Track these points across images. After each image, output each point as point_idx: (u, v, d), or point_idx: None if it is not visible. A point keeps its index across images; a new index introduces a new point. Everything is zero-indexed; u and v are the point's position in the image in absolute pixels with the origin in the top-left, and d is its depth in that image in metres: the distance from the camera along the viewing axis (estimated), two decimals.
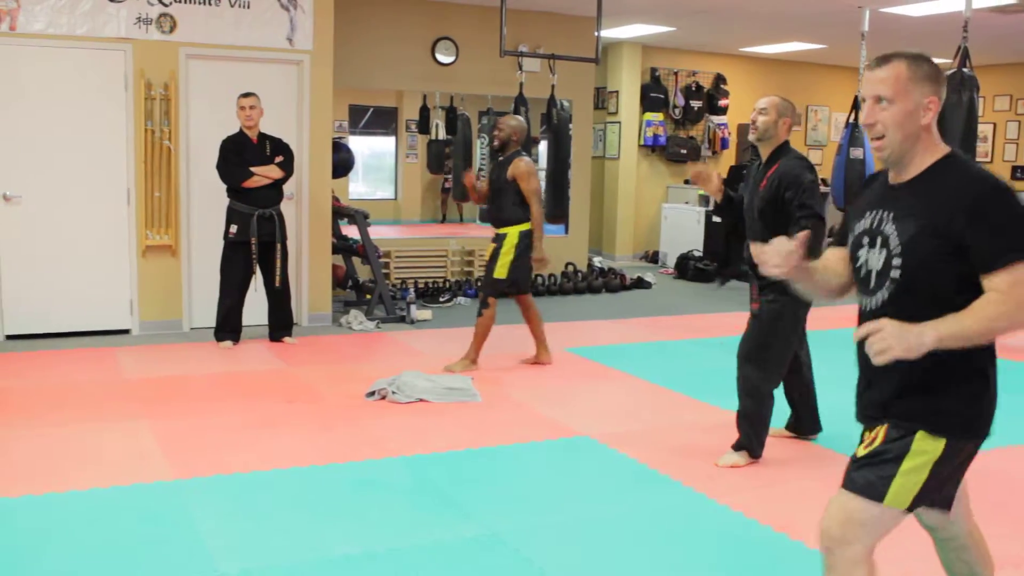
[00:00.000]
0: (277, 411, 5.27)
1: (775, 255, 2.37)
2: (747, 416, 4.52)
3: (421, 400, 5.48)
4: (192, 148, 7.19)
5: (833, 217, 8.67)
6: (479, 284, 6.51)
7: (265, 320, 7.08)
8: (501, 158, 6.31)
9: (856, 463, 2.33)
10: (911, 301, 2.21)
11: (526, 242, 6.21)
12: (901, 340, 2.08)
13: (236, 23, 7.19)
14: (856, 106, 9.27)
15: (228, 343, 6.85)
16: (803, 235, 2.38)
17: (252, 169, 6.64)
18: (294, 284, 7.63)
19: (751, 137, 4.45)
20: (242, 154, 6.66)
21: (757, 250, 2.39)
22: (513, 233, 6.20)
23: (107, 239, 7.08)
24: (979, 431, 2.27)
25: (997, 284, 2.10)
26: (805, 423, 4.93)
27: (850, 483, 2.30)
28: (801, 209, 4.21)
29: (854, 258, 2.39)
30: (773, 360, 4.49)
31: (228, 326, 6.87)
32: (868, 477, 2.27)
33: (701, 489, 4.19)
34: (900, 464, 2.24)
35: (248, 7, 7.20)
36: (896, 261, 2.23)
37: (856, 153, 8.96)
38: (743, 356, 4.51)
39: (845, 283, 2.52)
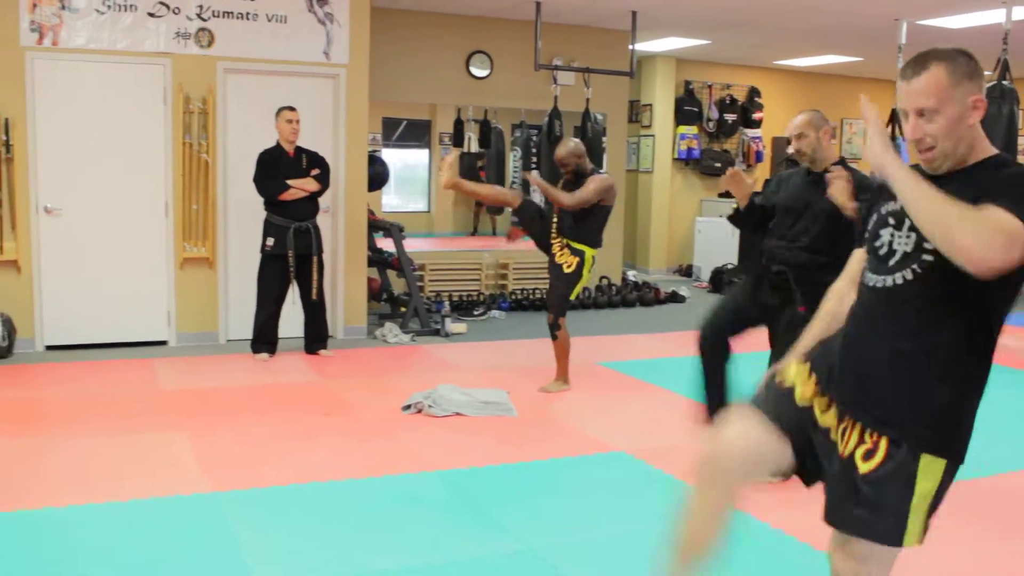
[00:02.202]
0: (314, 424, 5.29)
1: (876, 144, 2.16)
2: None
3: (457, 414, 5.47)
4: (229, 161, 7.25)
5: None
6: (545, 300, 6.27)
7: (301, 332, 7.11)
8: (579, 180, 6.01)
9: (858, 486, 2.18)
10: (939, 281, 2.09)
11: (593, 265, 6.09)
12: (884, 146, 2.09)
13: (273, 37, 7.25)
14: (894, 119, 9.20)
15: (264, 355, 6.89)
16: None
17: (289, 182, 6.67)
18: (330, 297, 7.66)
19: (803, 162, 4.43)
20: (279, 167, 6.70)
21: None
22: (589, 256, 6.04)
23: (145, 251, 7.15)
24: (964, 453, 2.19)
25: (983, 208, 1.97)
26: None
27: (862, 527, 2.19)
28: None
29: (875, 235, 2.27)
30: None
31: (264, 338, 6.91)
32: (881, 522, 2.16)
33: (740, 506, 4.14)
34: (912, 496, 2.14)
35: (285, 21, 7.26)
36: (929, 245, 2.08)
37: None
38: None
39: None
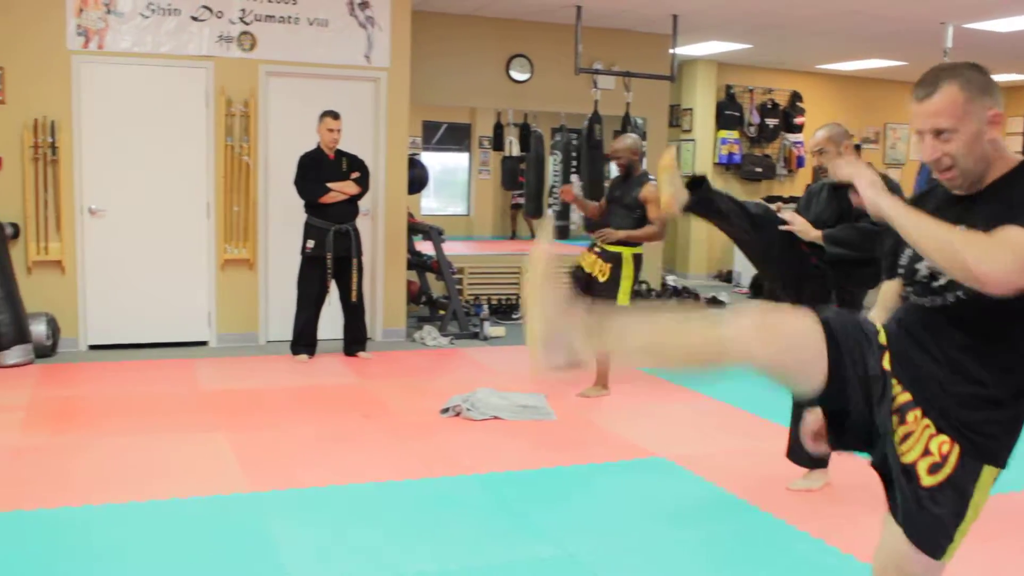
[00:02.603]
0: (352, 425, 5.30)
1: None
2: None
3: (495, 417, 5.45)
4: (270, 163, 7.30)
5: None
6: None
7: (340, 334, 7.13)
8: (626, 177, 6.06)
9: (920, 496, 2.09)
10: (986, 307, 1.99)
11: (638, 264, 6.04)
12: (876, 191, 2.08)
13: (314, 41, 7.28)
14: None
15: (304, 356, 6.91)
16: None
17: (329, 185, 6.70)
18: (369, 299, 7.68)
19: (825, 180, 4.37)
20: (319, 170, 6.72)
21: None
22: (628, 256, 5.97)
23: (187, 252, 7.22)
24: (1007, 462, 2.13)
25: (998, 228, 1.91)
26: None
27: (914, 532, 2.11)
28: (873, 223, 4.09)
29: (911, 270, 2.18)
30: None
31: (304, 340, 6.94)
32: (934, 532, 2.09)
33: (781, 515, 4.09)
34: (967, 510, 2.08)
35: (326, 25, 7.29)
36: None
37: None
38: None
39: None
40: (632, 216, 5.93)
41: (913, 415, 2.11)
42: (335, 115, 6.71)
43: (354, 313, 7.03)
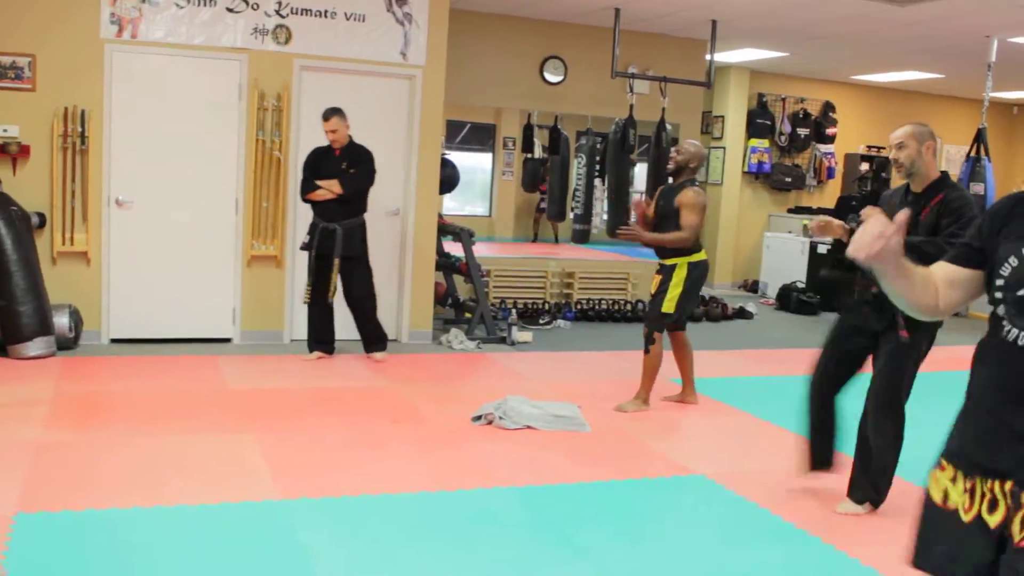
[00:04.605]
0: (382, 430, 5.16)
1: (867, 234, 1.92)
2: (885, 471, 4.23)
3: (528, 427, 5.31)
4: (301, 159, 7.12)
5: None
6: (644, 316, 6.06)
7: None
8: (672, 184, 5.91)
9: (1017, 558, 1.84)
10: None
11: (696, 274, 5.82)
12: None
13: (350, 36, 7.16)
14: (979, 139, 8.90)
15: (317, 353, 6.78)
16: (903, 215, 1.92)
17: (319, 183, 6.50)
18: (395, 300, 7.56)
19: (900, 175, 4.20)
20: (318, 166, 6.56)
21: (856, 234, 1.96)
22: (683, 265, 5.77)
23: (214, 247, 7.09)
24: None
25: None
26: (820, 454, 4.50)
27: None
28: (950, 237, 3.90)
29: (1018, 282, 1.90)
30: (904, 402, 4.22)
31: (314, 336, 6.80)
32: None
33: (829, 540, 3.94)
34: None
35: (363, 20, 7.16)
36: None
37: (977, 188, 8.59)
38: (882, 404, 4.20)
39: (932, 304, 2.07)
40: (675, 225, 5.75)
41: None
42: (326, 116, 6.46)
43: (357, 312, 6.83)
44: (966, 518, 1.94)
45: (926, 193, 4.08)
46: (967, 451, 1.98)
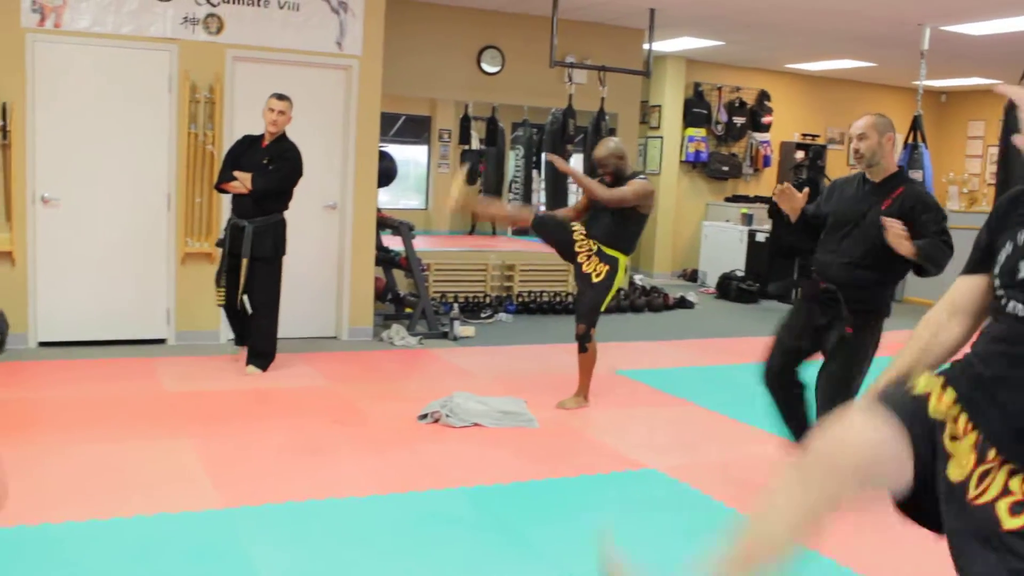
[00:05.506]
0: (325, 432, 5.01)
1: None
2: None
3: (476, 424, 5.21)
4: None
5: None
6: (575, 310, 5.84)
7: (302, 332, 6.80)
8: (618, 183, 5.65)
9: (1003, 542, 1.82)
10: None
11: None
12: None
13: (284, 25, 6.96)
14: (915, 126, 8.99)
15: (243, 349, 6.36)
16: None
17: (235, 173, 6.04)
18: (335, 296, 7.41)
19: (859, 166, 4.17)
20: (240, 156, 6.12)
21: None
22: (622, 262, 5.67)
23: (146, 245, 6.85)
24: None
25: None
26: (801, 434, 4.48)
27: None
28: (942, 234, 3.95)
29: (1014, 268, 1.99)
30: (854, 395, 4.20)
31: (239, 332, 6.43)
32: None
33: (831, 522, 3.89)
34: None
35: (297, 9, 6.98)
36: None
37: (915, 175, 8.66)
38: (831, 397, 4.18)
39: (973, 326, 2.19)
40: (621, 219, 5.63)
41: (992, 458, 1.90)
42: (280, 96, 6.05)
43: (252, 319, 6.22)
44: (932, 411, 2.02)
45: (885, 184, 4.09)
46: (963, 385, 2.01)
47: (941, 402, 2.01)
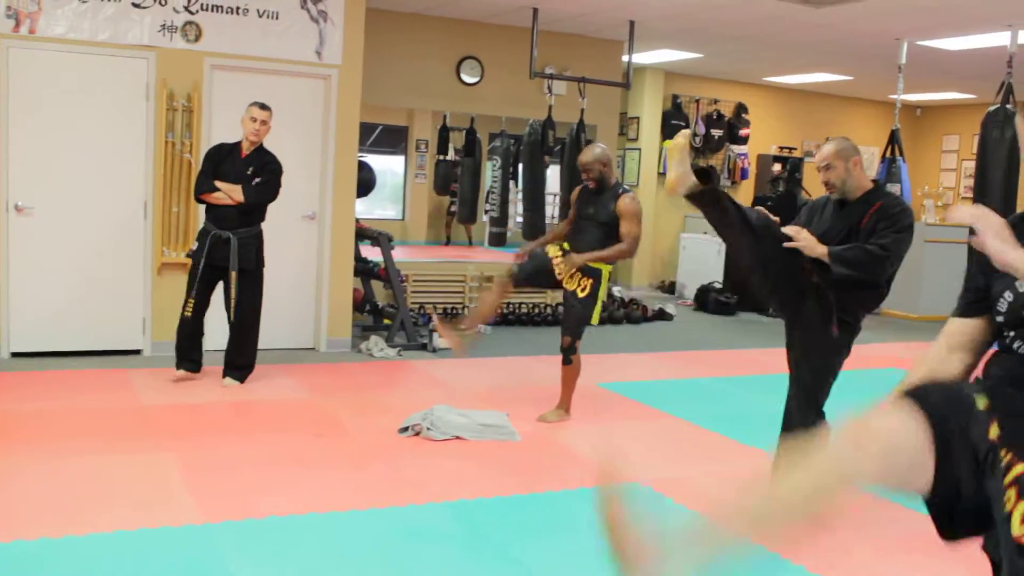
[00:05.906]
0: (306, 446, 4.95)
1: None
2: None
3: (457, 437, 5.16)
4: None
5: None
6: (563, 323, 5.79)
7: (283, 344, 6.73)
8: (602, 192, 5.65)
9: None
10: None
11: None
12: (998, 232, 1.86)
13: (263, 34, 6.91)
14: (893, 140, 9.05)
15: (183, 372, 6.15)
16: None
17: (218, 184, 5.96)
18: (314, 307, 7.34)
19: (834, 197, 4.17)
20: (220, 165, 5.97)
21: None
22: (606, 273, 5.65)
23: (122, 255, 6.76)
24: None
25: None
26: None
27: None
28: (881, 239, 3.92)
29: (1019, 301, 1.98)
30: (823, 403, 4.21)
31: (184, 352, 6.16)
32: None
33: (773, 547, 3.86)
34: None
35: (276, 18, 6.92)
36: None
37: (894, 188, 8.71)
38: (809, 403, 4.17)
39: (973, 363, 2.17)
40: (607, 233, 5.62)
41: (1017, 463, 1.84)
42: (262, 105, 5.96)
43: (235, 331, 6.14)
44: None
45: (862, 200, 4.08)
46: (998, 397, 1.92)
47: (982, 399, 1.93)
